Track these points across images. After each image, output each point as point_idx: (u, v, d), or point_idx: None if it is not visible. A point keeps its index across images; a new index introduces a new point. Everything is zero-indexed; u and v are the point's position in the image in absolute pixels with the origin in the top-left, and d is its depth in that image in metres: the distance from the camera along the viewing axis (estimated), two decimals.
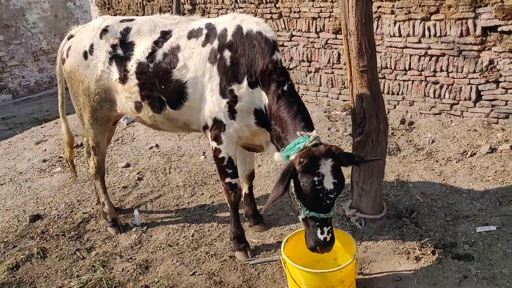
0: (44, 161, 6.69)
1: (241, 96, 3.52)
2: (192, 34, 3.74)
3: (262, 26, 3.55)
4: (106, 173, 5.95)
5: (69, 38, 4.31)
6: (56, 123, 8.67)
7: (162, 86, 3.74)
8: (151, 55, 3.76)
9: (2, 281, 4.05)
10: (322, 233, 3.10)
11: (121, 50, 3.90)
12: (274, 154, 3.66)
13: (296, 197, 3.13)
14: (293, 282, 3.30)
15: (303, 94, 7.65)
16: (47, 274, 4.11)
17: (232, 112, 3.56)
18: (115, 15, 9.64)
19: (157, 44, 3.78)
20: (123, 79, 3.88)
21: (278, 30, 7.64)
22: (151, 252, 4.29)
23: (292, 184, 3.10)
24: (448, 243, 3.90)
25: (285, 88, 3.43)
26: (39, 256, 4.34)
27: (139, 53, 3.80)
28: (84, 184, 5.78)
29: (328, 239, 3.13)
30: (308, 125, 3.37)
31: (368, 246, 4.01)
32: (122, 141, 7.20)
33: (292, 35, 7.54)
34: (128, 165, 6.26)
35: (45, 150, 7.12)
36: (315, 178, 2.94)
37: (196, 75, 3.63)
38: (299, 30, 7.42)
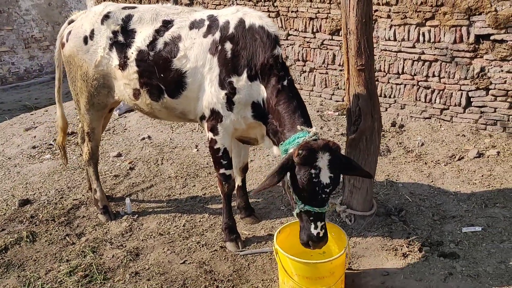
0: (34, 147, 6.66)
1: (240, 88, 3.56)
2: (194, 25, 3.76)
3: (265, 20, 3.59)
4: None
5: (69, 23, 4.31)
6: (46, 110, 8.63)
7: (162, 75, 3.76)
8: (152, 43, 3.78)
9: None
10: (315, 227, 3.13)
11: (122, 37, 3.91)
12: (272, 148, 3.68)
13: (292, 191, 3.16)
14: (284, 272, 3.35)
15: None
16: (36, 258, 4.10)
17: (230, 103, 3.60)
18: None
19: (158, 32, 3.79)
20: (123, 66, 3.89)
21: None
22: (142, 240, 4.30)
23: (288, 178, 3.14)
24: (434, 242, 3.98)
25: (285, 83, 3.47)
26: (28, 240, 4.33)
27: (140, 40, 3.82)
28: (74, 172, 5.77)
29: (321, 234, 3.15)
30: (307, 121, 3.41)
31: (357, 242, 4.08)
32: (113, 131, 7.19)
33: (288, 34, 7.61)
34: (119, 155, 6.26)
35: (34, 136, 7.07)
36: (312, 171, 2.98)
37: (196, 66, 3.66)
38: (295, 30, 7.49)
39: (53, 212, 4.83)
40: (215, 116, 3.68)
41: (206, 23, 3.72)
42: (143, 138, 6.72)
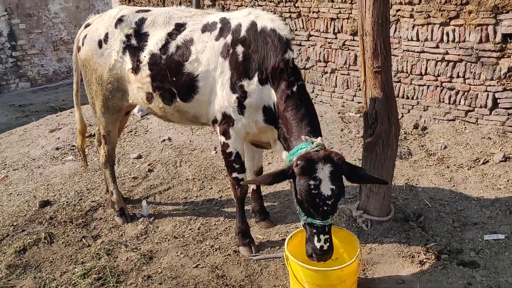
0: (57, 149, 6.77)
1: (251, 92, 3.51)
2: (206, 28, 3.74)
3: (277, 23, 3.53)
4: (118, 164, 6.01)
5: (85, 27, 4.36)
6: (71, 112, 8.76)
7: (174, 78, 3.75)
8: (164, 47, 3.78)
9: (9, 263, 4.12)
10: (319, 240, 3.05)
11: (135, 40, 3.92)
12: (282, 153, 3.63)
13: (295, 202, 3.11)
14: (295, 279, 3.29)
15: (318, 94, 7.63)
16: (53, 259, 4.16)
17: (241, 107, 3.56)
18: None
19: (171, 36, 3.79)
20: (136, 70, 3.90)
21: (296, 30, 7.63)
22: (156, 243, 4.31)
23: (292, 189, 3.10)
24: (454, 249, 3.85)
25: (294, 88, 3.40)
26: (46, 241, 4.39)
27: (153, 44, 3.82)
28: (94, 173, 5.84)
29: (325, 247, 3.07)
30: (314, 130, 3.32)
31: (373, 248, 3.98)
32: (135, 133, 7.25)
33: (310, 35, 7.52)
34: (139, 157, 6.30)
35: (58, 138, 7.20)
36: (311, 182, 2.90)
37: (207, 69, 3.64)
38: (317, 30, 7.40)
39: (72, 213, 4.89)
40: (226, 120, 3.65)
41: (219, 26, 3.69)
42: (163, 140, 6.75)
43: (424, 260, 3.74)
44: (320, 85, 7.58)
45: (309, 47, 7.57)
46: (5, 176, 6.02)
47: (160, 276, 3.85)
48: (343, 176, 3.02)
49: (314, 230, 3.05)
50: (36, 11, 12.57)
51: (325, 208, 2.96)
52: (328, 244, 3.07)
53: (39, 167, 6.22)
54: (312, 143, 3.10)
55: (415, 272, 3.64)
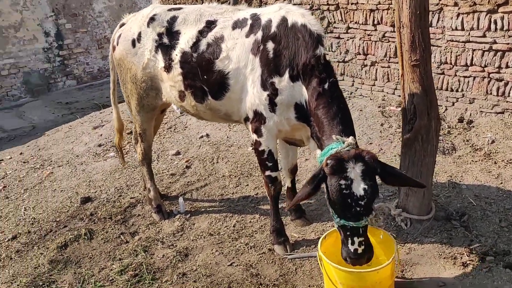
0: (100, 145, 6.93)
1: (282, 89, 3.44)
2: (237, 25, 3.69)
3: (308, 18, 3.43)
4: (157, 160, 6.09)
5: (120, 26, 4.41)
6: None
7: (205, 76, 3.73)
8: (195, 45, 3.76)
9: (51, 258, 4.25)
10: (352, 243, 2.95)
11: (167, 39, 3.93)
12: (316, 151, 3.53)
13: (328, 204, 3.02)
14: (329, 280, 3.21)
15: (357, 88, 7.44)
16: (92, 255, 4.25)
17: (272, 105, 3.50)
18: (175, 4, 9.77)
19: (202, 33, 3.77)
20: (168, 68, 3.91)
21: (334, 22, 7.45)
22: (192, 240, 4.33)
23: (326, 190, 3.00)
24: (500, 251, 3.65)
25: (326, 86, 3.29)
26: (86, 237, 4.50)
27: (184, 42, 3.81)
28: (134, 170, 5.94)
29: (359, 251, 2.96)
30: (346, 129, 3.19)
31: (412, 248, 3.83)
32: (174, 129, 7.32)
33: (348, 27, 7.33)
34: (178, 153, 6.35)
35: (101, 135, 7.37)
36: (342, 182, 2.81)
37: (238, 66, 3.59)
38: (356, 22, 7.20)
39: (111, 210, 4.99)
40: (258, 117, 3.60)
41: (249, 22, 3.64)
42: (201, 136, 6.78)
43: (468, 262, 3.56)
44: (360, 78, 7.39)
45: (348, 39, 7.38)
46: (51, 172, 6.22)
47: (194, 273, 3.86)
48: (376, 176, 2.90)
49: (348, 233, 2.95)
50: (81, 10, 12.90)
51: (358, 209, 2.85)
52: (363, 247, 2.95)
53: (82, 163, 6.39)
54: (343, 142, 2.99)
55: (457, 274, 3.48)
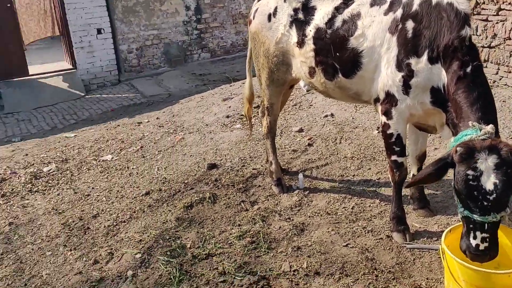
0: (227, 117, 7.25)
1: (418, 71, 3.27)
2: (376, 2, 3.56)
3: None
4: (280, 135, 6.21)
5: (258, 0, 4.51)
6: (243, 83, 9.25)
7: (337, 54, 3.68)
8: (330, 21, 3.72)
9: (178, 216, 4.57)
10: (474, 238, 2.75)
11: (302, 14, 3.93)
12: (450, 140, 3.33)
13: (454, 192, 2.84)
14: (450, 275, 3.03)
15: (502, 77, 6.79)
16: (214, 218, 4.50)
17: (406, 87, 3.34)
18: None
19: (338, 10, 3.71)
20: (300, 43, 3.92)
21: (483, 3, 6.84)
22: (309, 217, 4.36)
23: (453, 177, 2.82)
24: None
25: (468, 69, 3.04)
26: (209, 201, 4.76)
27: (319, 18, 3.78)
28: (258, 143, 6.12)
29: (480, 247, 2.74)
30: (487, 116, 2.92)
31: None
32: (299, 107, 7.37)
33: (499, 9, 6.65)
34: (301, 130, 6.41)
35: (229, 107, 7.70)
36: (470, 172, 2.62)
37: (373, 45, 3.48)
38: (509, 3, 6.52)
39: (234, 178, 5.21)
40: (389, 99, 3.47)
41: None
42: (326, 116, 6.74)
43: None
44: (507, 66, 6.72)
45: (497, 22, 6.72)
46: (182, 138, 6.68)
47: (309, 249, 3.89)
48: None
49: (471, 225, 2.76)
50: None
51: (485, 203, 2.64)
52: (486, 244, 2.74)
53: (210, 132, 6.76)
54: (480, 130, 2.76)
55: None
